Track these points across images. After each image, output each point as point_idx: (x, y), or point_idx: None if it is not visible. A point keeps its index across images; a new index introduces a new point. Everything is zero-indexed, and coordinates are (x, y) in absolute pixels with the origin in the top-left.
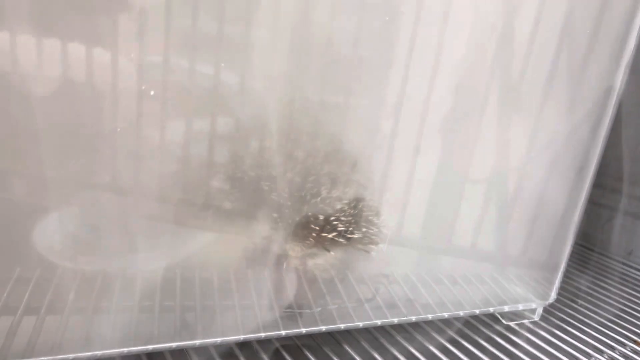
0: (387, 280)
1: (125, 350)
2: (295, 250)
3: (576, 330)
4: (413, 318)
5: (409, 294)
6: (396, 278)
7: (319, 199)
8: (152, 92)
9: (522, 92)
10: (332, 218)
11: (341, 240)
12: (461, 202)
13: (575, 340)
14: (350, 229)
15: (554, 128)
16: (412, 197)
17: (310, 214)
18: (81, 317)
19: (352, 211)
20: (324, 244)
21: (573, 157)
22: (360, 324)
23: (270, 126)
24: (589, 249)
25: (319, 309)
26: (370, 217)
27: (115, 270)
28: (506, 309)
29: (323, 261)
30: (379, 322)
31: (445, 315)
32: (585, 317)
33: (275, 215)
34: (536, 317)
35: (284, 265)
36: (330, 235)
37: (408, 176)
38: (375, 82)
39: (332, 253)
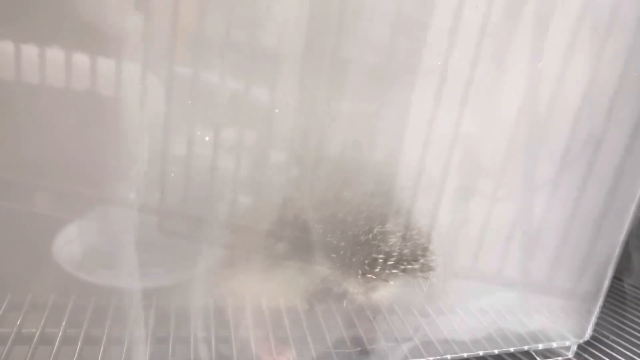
0: (426, 320)
1: None
2: (354, 286)
3: None
4: (449, 357)
5: (445, 331)
6: (432, 315)
7: (371, 235)
8: (207, 138)
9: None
10: (381, 256)
11: (396, 271)
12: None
13: None
14: (406, 260)
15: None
16: (443, 224)
17: (363, 252)
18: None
19: (406, 243)
20: (382, 277)
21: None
22: None
23: (319, 167)
24: (619, 279)
25: (358, 348)
26: (425, 245)
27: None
28: (540, 346)
29: (388, 293)
30: None
31: (481, 353)
32: (619, 355)
33: (333, 255)
34: (570, 355)
35: (344, 302)
36: (369, 275)
37: (437, 203)
38: (408, 100)
39: (391, 283)
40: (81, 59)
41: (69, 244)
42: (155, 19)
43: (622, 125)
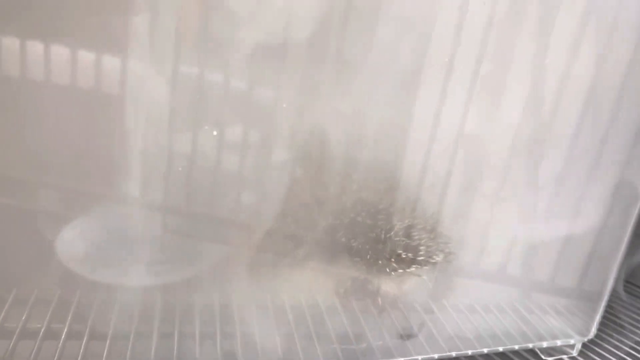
0: (430, 317)
1: None
2: (387, 284)
3: None
4: (453, 354)
5: (448, 328)
6: (435, 310)
7: (393, 233)
8: (214, 133)
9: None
10: (401, 252)
11: (425, 267)
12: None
13: None
14: (426, 253)
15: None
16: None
17: (387, 250)
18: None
19: (429, 235)
20: (413, 271)
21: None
22: None
23: (333, 171)
24: (623, 279)
25: (364, 345)
26: (445, 233)
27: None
28: (545, 344)
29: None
30: (419, 357)
31: (485, 350)
32: (623, 353)
33: (357, 259)
34: (575, 353)
35: (379, 300)
36: (397, 271)
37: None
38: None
39: (424, 277)
40: (86, 55)
41: (74, 240)
42: (160, 14)
43: (627, 124)
